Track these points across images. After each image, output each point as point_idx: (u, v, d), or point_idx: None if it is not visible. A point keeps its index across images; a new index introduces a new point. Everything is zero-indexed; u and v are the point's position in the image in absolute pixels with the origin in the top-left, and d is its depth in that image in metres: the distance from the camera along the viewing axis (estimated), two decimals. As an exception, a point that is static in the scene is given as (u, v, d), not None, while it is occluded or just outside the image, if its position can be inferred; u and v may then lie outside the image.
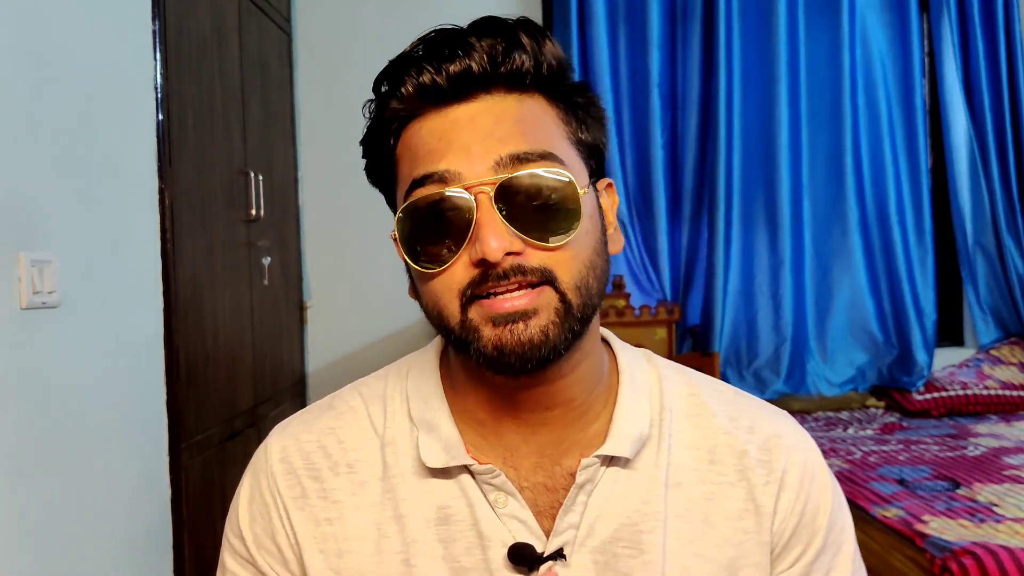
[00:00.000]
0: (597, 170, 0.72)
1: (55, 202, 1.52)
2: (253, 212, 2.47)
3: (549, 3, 3.29)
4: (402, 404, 0.74)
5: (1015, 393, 3.12)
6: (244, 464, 0.78)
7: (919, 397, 3.14)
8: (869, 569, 0.81)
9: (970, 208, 3.39)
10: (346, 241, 3.16)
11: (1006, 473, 2.22)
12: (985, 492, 2.06)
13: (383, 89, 0.69)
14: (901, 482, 2.19)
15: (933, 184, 3.42)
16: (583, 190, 0.66)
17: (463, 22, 0.68)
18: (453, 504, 0.70)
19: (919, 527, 1.82)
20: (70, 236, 1.56)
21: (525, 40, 0.67)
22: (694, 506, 0.71)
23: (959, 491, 2.09)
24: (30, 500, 1.42)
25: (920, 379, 3.21)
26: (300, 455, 0.73)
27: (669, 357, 2.81)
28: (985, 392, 3.13)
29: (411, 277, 0.71)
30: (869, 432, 2.89)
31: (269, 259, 2.65)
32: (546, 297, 0.64)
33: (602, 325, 0.77)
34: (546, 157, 0.65)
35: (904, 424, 2.98)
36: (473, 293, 0.64)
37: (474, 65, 0.65)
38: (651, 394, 0.74)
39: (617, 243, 0.73)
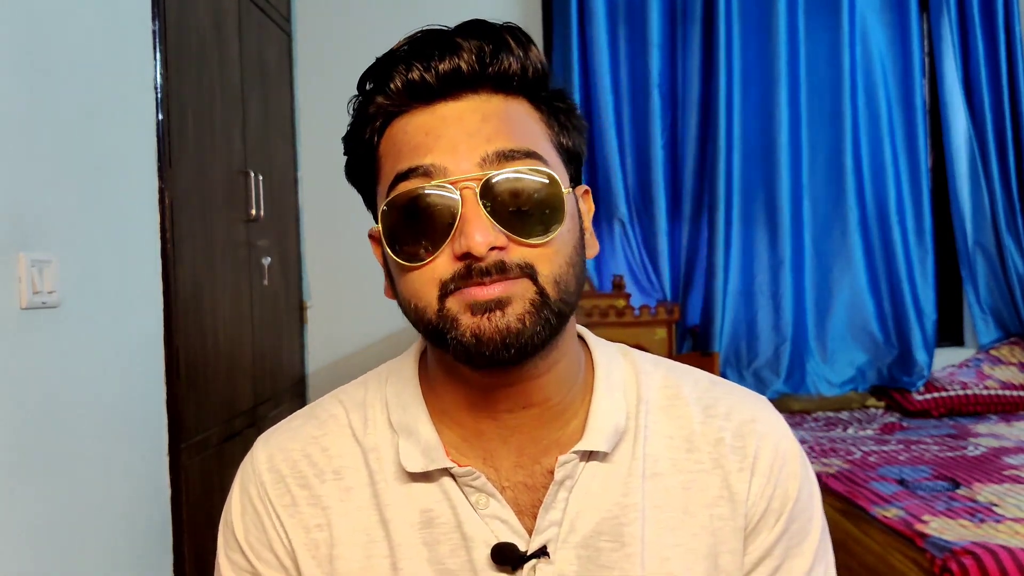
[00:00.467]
0: (576, 176, 0.73)
1: (55, 202, 1.52)
2: (253, 212, 2.47)
3: (549, 3, 3.29)
4: (382, 411, 0.75)
5: (1015, 393, 3.12)
6: (244, 464, 0.78)
7: (919, 397, 3.14)
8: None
9: (970, 208, 3.39)
10: (346, 241, 3.16)
11: (1006, 473, 2.22)
12: (985, 492, 2.06)
13: (368, 86, 0.70)
14: (901, 482, 2.19)
15: (933, 184, 3.42)
16: (566, 191, 0.67)
17: (463, 21, 0.69)
18: (436, 507, 0.71)
19: (919, 527, 1.82)
20: (70, 236, 1.56)
21: (512, 44, 0.68)
22: (672, 496, 0.72)
23: (959, 491, 2.09)
24: (30, 500, 1.41)
25: (920, 379, 3.21)
26: (287, 463, 0.74)
27: (669, 357, 2.81)
28: (985, 392, 3.13)
29: (389, 275, 0.71)
30: (869, 432, 2.89)
31: (269, 259, 2.65)
32: (522, 287, 0.65)
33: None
34: (531, 156, 0.66)
35: (904, 424, 2.98)
36: (455, 287, 0.65)
37: (463, 64, 0.66)
38: (627, 388, 0.75)
39: (592, 248, 0.74)
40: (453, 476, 0.71)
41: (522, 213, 0.65)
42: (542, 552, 0.69)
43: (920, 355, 3.26)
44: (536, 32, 3.30)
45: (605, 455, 0.71)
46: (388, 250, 0.67)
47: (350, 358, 3.18)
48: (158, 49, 1.89)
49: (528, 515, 0.70)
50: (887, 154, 3.32)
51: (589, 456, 0.71)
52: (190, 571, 1.94)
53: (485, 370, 0.67)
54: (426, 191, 0.65)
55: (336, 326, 3.18)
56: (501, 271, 0.64)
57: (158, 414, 1.87)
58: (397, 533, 0.70)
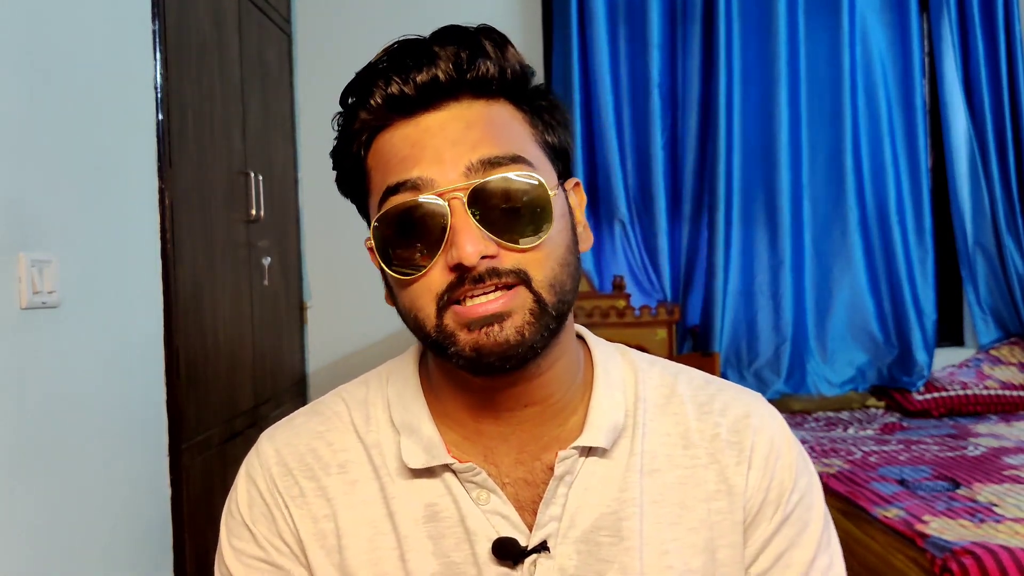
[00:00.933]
0: (564, 171, 0.73)
1: (55, 202, 1.52)
2: (253, 212, 2.47)
3: (549, 3, 3.29)
4: (384, 410, 0.76)
5: (1015, 393, 3.12)
6: (245, 465, 0.78)
7: (919, 397, 3.14)
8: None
9: (970, 208, 3.39)
10: (346, 241, 3.15)
11: (1006, 473, 2.22)
12: (985, 492, 2.06)
13: (350, 101, 0.70)
14: (902, 482, 2.19)
15: (933, 184, 3.42)
16: (553, 191, 0.68)
17: (462, 22, 0.69)
18: (440, 502, 0.72)
19: (919, 527, 1.82)
20: (70, 236, 1.56)
21: (488, 47, 0.68)
22: (669, 491, 0.73)
23: (959, 491, 2.09)
24: (30, 500, 1.42)
25: (920, 379, 3.21)
26: (294, 457, 0.75)
27: (669, 357, 2.82)
28: (985, 392, 3.13)
29: (387, 284, 0.72)
30: (869, 432, 2.89)
31: (269, 259, 2.65)
32: (520, 298, 0.66)
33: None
34: (516, 160, 0.67)
35: (904, 424, 2.98)
36: (450, 297, 0.65)
37: (440, 74, 0.67)
38: (625, 386, 0.76)
39: (586, 241, 0.75)
40: (454, 472, 0.72)
41: (511, 218, 0.65)
42: (542, 547, 0.70)
43: (920, 355, 3.26)
44: (536, 32, 3.30)
45: (604, 451, 0.72)
46: (383, 264, 0.68)
47: (350, 358, 3.18)
48: (158, 49, 1.89)
49: (528, 510, 0.71)
50: (887, 154, 3.32)
51: (588, 452, 0.72)
52: (190, 571, 1.94)
53: (485, 376, 0.68)
54: (415, 204, 0.65)
55: (336, 326, 3.17)
56: (494, 276, 0.65)
57: (158, 414, 1.87)
58: (403, 526, 0.71)
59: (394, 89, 0.67)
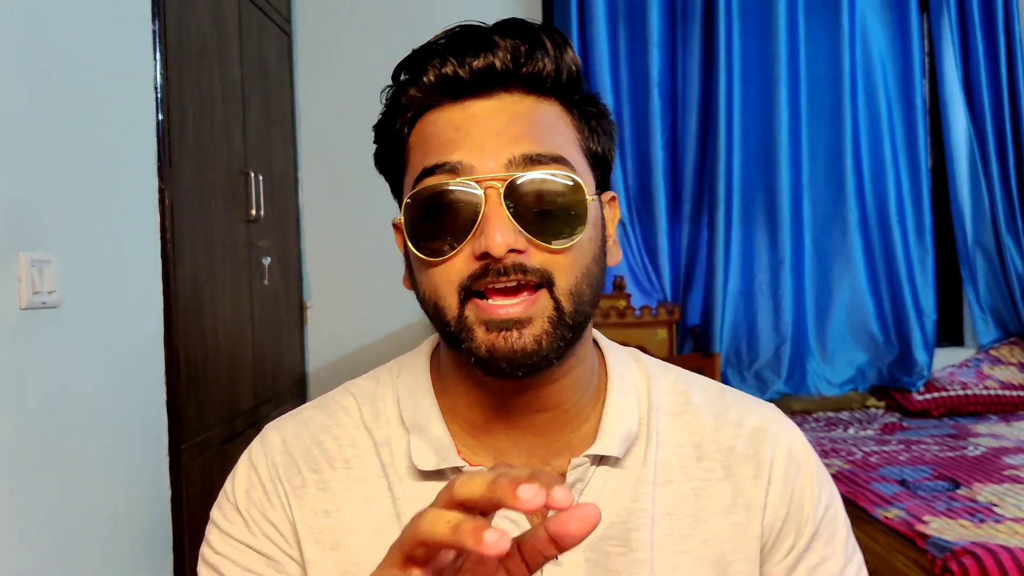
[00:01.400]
0: (603, 182, 0.73)
1: (55, 202, 1.52)
2: (253, 212, 2.47)
3: (549, 3, 3.29)
4: (393, 406, 0.75)
5: (1015, 393, 3.12)
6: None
7: (919, 397, 3.14)
8: (872, 570, 0.81)
9: (970, 208, 3.39)
10: (346, 241, 3.16)
11: (1006, 473, 2.22)
12: (985, 492, 2.06)
13: (403, 77, 0.70)
14: (902, 483, 2.19)
15: (933, 184, 3.42)
16: (590, 197, 0.67)
17: (462, 22, 0.69)
18: None
19: (920, 527, 1.82)
20: (70, 236, 1.56)
21: (548, 45, 0.68)
22: (682, 503, 0.72)
23: (959, 491, 2.09)
24: (30, 500, 1.41)
25: (920, 379, 3.21)
26: (299, 448, 0.74)
27: (670, 358, 2.82)
28: (985, 392, 3.13)
29: (409, 266, 0.71)
30: (869, 432, 2.89)
31: (269, 259, 2.65)
32: (541, 304, 0.65)
33: (603, 326, 0.77)
34: (557, 161, 0.66)
35: (904, 424, 2.98)
36: (472, 287, 0.65)
37: (497, 62, 0.66)
38: (639, 393, 0.75)
39: (615, 256, 0.74)
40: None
41: (544, 217, 0.65)
42: None
43: (920, 355, 3.26)
44: (536, 32, 3.30)
45: (617, 460, 0.71)
46: (409, 243, 0.67)
47: (350, 358, 3.18)
48: (158, 49, 1.89)
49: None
50: (887, 154, 3.33)
51: (600, 460, 0.71)
52: (190, 571, 1.94)
53: (498, 377, 0.67)
54: (450, 187, 0.65)
55: (336, 326, 3.17)
56: (519, 272, 0.64)
57: (158, 414, 1.87)
58: None
59: (448, 70, 0.66)
